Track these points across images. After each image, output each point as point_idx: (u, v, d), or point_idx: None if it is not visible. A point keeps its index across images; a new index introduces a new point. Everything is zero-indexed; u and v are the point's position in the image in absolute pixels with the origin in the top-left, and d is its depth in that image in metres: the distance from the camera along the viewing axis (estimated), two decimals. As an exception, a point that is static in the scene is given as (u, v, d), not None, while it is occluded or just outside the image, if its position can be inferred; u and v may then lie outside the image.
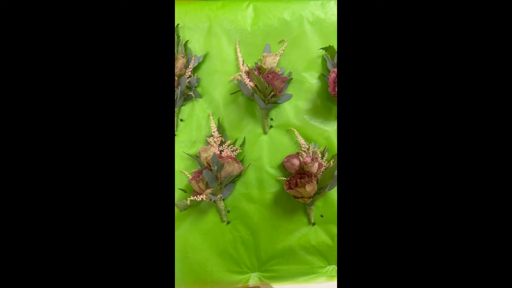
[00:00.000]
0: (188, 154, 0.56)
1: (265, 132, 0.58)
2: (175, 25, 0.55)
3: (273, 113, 0.58)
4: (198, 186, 0.53)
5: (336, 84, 0.53)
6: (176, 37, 0.54)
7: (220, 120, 0.57)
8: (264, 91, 0.53)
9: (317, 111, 0.58)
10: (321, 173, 0.55)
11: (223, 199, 0.56)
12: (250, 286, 0.57)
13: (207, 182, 0.52)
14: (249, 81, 0.54)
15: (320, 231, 0.58)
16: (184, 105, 0.57)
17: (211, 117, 0.56)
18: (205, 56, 0.56)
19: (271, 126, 0.58)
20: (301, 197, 0.54)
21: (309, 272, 0.58)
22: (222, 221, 0.57)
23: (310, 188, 0.52)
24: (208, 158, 0.53)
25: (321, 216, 0.57)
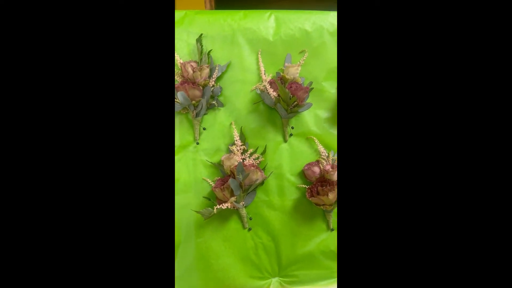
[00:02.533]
0: (211, 162, 0.57)
1: (285, 140, 0.59)
2: (200, 35, 0.56)
3: (293, 122, 0.59)
4: (223, 194, 0.53)
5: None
6: (199, 46, 0.55)
7: (242, 128, 0.58)
8: (287, 101, 0.54)
9: (336, 120, 0.59)
10: (341, 181, 0.56)
11: (245, 207, 0.57)
12: (271, 291, 0.58)
13: (231, 190, 0.53)
14: (273, 91, 0.55)
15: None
16: (207, 114, 0.57)
17: (233, 126, 0.57)
18: (227, 66, 0.57)
19: (291, 134, 0.59)
20: (323, 205, 0.55)
21: (328, 276, 0.59)
22: (244, 228, 0.58)
23: (332, 195, 0.53)
24: (232, 167, 0.54)
25: (341, 222, 0.59)
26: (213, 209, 0.52)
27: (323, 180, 0.56)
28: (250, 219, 0.58)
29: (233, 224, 0.58)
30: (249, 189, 0.55)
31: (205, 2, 0.87)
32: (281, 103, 0.54)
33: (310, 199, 0.54)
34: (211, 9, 0.86)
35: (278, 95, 0.54)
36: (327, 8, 0.61)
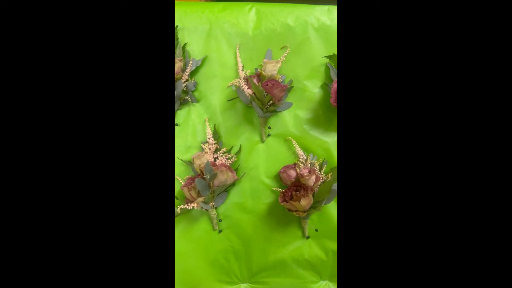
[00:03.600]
0: (182, 160, 0.55)
1: (262, 141, 0.56)
2: (175, 27, 0.54)
3: (272, 121, 0.56)
4: (190, 194, 0.51)
5: (338, 95, 0.51)
6: (174, 39, 0.53)
7: (216, 126, 0.55)
8: (262, 99, 0.51)
9: (317, 122, 0.56)
10: (318, 187, 0.53)
11: (216, 208, 0.55)
12: (240, 297, 0.56)
13: (199, 190, 0.51)
14: (248, 88, 0.52)
15: (314, 245, 0.56)
16: (180, 109, 0.55)
17: (207, 123, 0.55)
18: (204, 60, 0.55)
19: (268, 135, 0.56)
20: (296, 211, 0.52)
21: (300, 286, 0.56)
22: (214, 229, 0.55)
23: (305, 202, 0.50)
24: (202, 166, 0.51)
25: (316, 230, 0.55)
26: (177, 209, 0.50)
27: (298, 184, 0.53)
28: (220, 221, 0.55)
29: (203, 225, 0.55)
30: (219, 190, 0.52)
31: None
32: (256, 101, 0.51)
33: (283, 204, 0.51)
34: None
35: (254, 93, 0.51)
36: (324, 2, 0.57)
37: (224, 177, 0.51)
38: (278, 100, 0.52)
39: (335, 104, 0.51)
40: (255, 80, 0.52)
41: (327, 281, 0.57)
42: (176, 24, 0.54)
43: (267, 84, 0.51)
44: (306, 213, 0.52)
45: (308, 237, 0.56)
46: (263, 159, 0.56)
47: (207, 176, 0.50)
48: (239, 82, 0.52)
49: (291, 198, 0.52)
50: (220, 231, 0.56)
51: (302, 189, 0.52)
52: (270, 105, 0.52)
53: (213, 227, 0.55)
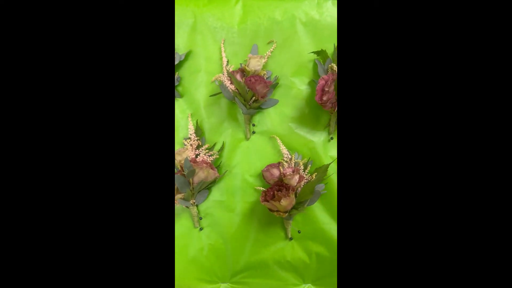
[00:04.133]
0: (164, 155, 0.54)
1: (246, 138, 0.55)
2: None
3: (257, 119, 0.55)
4: (169, 190, 0.51)
5: (324, 92, 0.49)
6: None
7: (199, 122, 0.54)
8: (244, 95, 0.50)
9: (304, 120, 0.54)
10: (301, 187, 0.51)
11: (197, 205, 0.54)
12: (219, 296, 0.55)
13: (178, 187, 0.50)
14: (230, 83, 0.50)
15: (297, 247, 0.54)
16: (163, 104, 0.54)
17: (189, 119, 0.54)
18: (188, 54, 0.54)
19: (253, 132, 0.55)
20: (277, 211, 0.50)
21: (281, 288, 0.55)
22: (195, 227, 0.55)
23: (286, 202, 0.48)
24: (182, 162, 0.51)
25: (299, 232, 0.54)
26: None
27: (280, 184, 0.51)
28: (200, 218, 0.54)
29: (184, 222, 0.55)
30: (199, 187, 0.52)
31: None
32: (239, 97, 0.50)
33: (263, 203, 0.50)
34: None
35: (236, 89, 0.50)
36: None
37: (205, 174, 0.50)
38: (262, 97, 0.51)
39: (320, 102, 0.49)
40: (238, 76, 0.51)
41: (310, 284, 0.55)
42: (160, 17, 0.53)
43: (250, 80, 0.49)
44: (287, 214, 0.50)
45: (291, 239, 0.54)
46: (247, 157, 0.55)
47: (186, 173, 0.49)
48: (222, 77, 0.51)
49: (273, 197, 0.50)
50: (201, 229, 0.55)
51: (284, 189, 0.50)
52: (253, 102, 0.51)
53: (194, 224, 0.55)
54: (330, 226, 0.53)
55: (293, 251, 0.54)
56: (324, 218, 0.54)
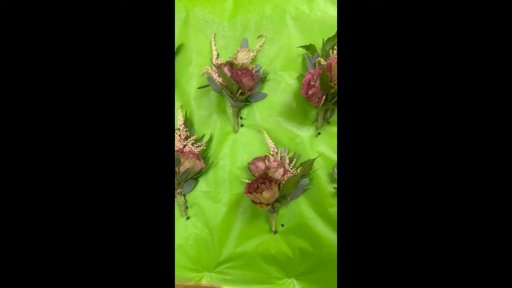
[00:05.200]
0: (154, 145, 0.56)
1: (235, 131, 0.55)
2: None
3: (245, 112, 0.55)
4: (156, 178, 0.52)
5: (310, 87, 0.49)
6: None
7: (188, 114, 0.55)
8: (231, 87, 0.50)
9: (291, 114, 0.54)
10: (284, 180, 0.51)
11: (184, 195, 0.55)
12: (203, 285, 0.56)
13: (165, 175, 0.51)
14: (218, 76, 0.51)
15: (282, 241, 0.55)
16: (155, 95, 0.56)
17: (179, 110, 0.55)
18: (179, 47, 0.55)
19: (241, 125, 0.55)
20: (260, 203, 0.51)
21: (264, 281, 0.55)
22: (181, 215, 0.56)
23: (268, 194, 0.49)
24: (169, 151, 0.52)
25: (282, 225, 0.54)
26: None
27: (265, 177, 0.51)
28: (187, 208, 0.56)
29: (171, 211, 0.56)
30: (185, 177, 0.53)
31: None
32: (225, 90, 0.51)
33: (246, 195, 0.50)
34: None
35: (223, 81, 0.51)
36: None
37: (190, 164, 0.52)
38: (249, 90, 0.51)
39: (305, 96, 0.49)
40: (226, 69, 0.51)
41: (293, 279, 0.55)
42: (154, 11, 0.55)
43: (236, 73, 0.50)
44: (269, 206, 0.51)
45: (275, 232, 0.55)
46: (235, 149, 0.56)
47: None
48: (210, 70, 0.52)
49: (256, 189, 0.51)
50: (188, 218, 0.56)
51: (268, 181, 0.50)
52: (239, 94, 0.52)
53: (181, 213, 0.56)
54: (314, 221, 0.53)
55: (277, 244, 0.55)
56: (309, 214, 0.53)
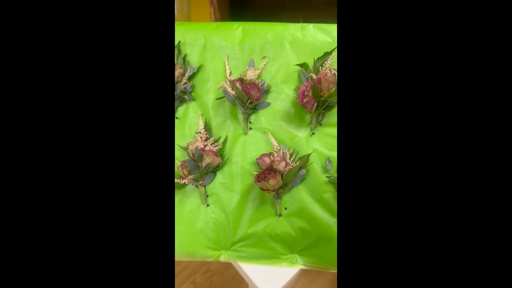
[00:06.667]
0: (179, 146, 0.69)
1: (245, 133, 0.68)
2: (178, 42, 0.69)
3: (253, 117, 0.68)
4: (183, 172, 0.65)
5: (304, 96, 0.62)
6: (177, 51, 0.68)
7: (207, 120, 0.69)
8: (242, 98, 0.64)
9: (290, 118, 0.67)
10: (286, 171, 0.64)
11: (204, 186, 0.68)
12: (221, 261, 0.68)
13: (190, 169, 0.64)
14: (231, 89, 0.65)
15: (285, 222, 0.66)
16: (180, 106, 0.70)
17: (200, 117, 0.68)
18: (199, 68, 0.69)
19: (250, 128, 0.68)
20: (267, 190, 0.63)
21: (272, 256, 0.66)
22: (203, 203, 0.68)
23: (273, 182, 0.61)
24: (193, 150, 0.65)
25: (285, 208, 0.66)
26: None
27: (271, 169, 0.64)
28: (207, 196, 0.68)
29: (194, 200, 0.68)
30: (206, 170, 0.65)
31: (210, 14, 1.01)
32: (237, 100, 0.64)
33: (256, 183, 0.63)
34: (216, 20, 1.00)
35: (236, 94, 0.64)
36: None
37: (210, 159, 0.64)
38: (256, 100, 0.65)
39: (301, 103, 0.62)
40: (238, 84, 0.65)
41: (296, 254, 0.66)
42: (179, 39, 0.69)
43: (246, 87, 0.63)
44: (275, 192, 0.63)
45: (280, 215, 0.66)
46: (245, 148, 0.68)
47: (196, 158, 0.63)
48: (225, 85, 0.66)
49: (264, 179, 0.63)
50: (207, 205, 0.68)
51: (273, 172, 0.63)
52: (249, 104, 0.65)
53: (202, 201, 0.68)
54: (312, 205, 0.65)
55: (282, 225, 0.66)
56: (307, 199, 0.65)
